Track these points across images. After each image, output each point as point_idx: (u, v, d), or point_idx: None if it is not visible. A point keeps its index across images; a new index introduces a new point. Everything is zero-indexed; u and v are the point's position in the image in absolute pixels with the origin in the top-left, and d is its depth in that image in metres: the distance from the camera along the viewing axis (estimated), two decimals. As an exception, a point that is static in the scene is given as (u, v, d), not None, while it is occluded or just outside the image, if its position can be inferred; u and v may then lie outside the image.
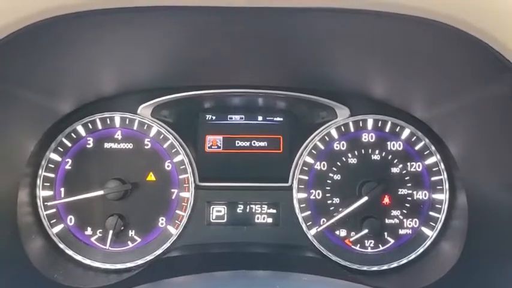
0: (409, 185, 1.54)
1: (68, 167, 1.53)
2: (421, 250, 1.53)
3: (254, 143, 1.61)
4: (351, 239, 1.54)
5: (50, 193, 1.51)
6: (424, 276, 1.43)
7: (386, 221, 1.54)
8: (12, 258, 1.33)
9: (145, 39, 1.05)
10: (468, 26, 0.81)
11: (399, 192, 1.54)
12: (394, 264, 1.53)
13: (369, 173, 1.54)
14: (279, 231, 1.55)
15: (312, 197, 1.55)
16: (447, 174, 1.52)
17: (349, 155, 1.56)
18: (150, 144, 1.55)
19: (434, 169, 1.54)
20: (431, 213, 1.53)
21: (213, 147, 1.60)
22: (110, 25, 0.93)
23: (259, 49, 1.14)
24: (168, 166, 1.55)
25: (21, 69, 1.07)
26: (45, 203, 1.50)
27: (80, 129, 1.54)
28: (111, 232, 1.48)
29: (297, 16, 0.87)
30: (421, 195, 1.54)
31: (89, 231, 1.53)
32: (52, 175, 1.51)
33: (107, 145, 1.55)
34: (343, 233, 1.55)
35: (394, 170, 1.55)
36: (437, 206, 1.53)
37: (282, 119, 1.62)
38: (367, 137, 1.56)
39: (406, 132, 1.55)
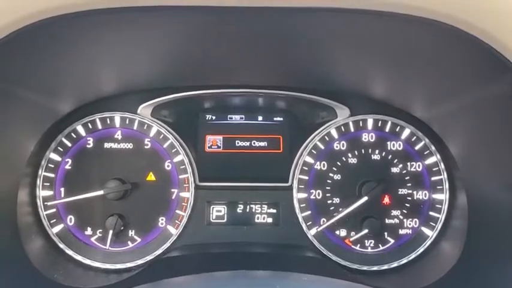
0: (409, 185, 1.54)
1: (67, 167, 1.53)
2: (421, 250, 1.53)
3: (254, 143, 1.61)
4: (351, 239, 1.54)
5: (49, 193, 1.51)
6: (424, 276, 1.43)
7: (387, 221, 1.54)
8: (12, 258, 1.33)
9: (145, 39, 1.05)
10: (468, 25, 0.81)
11: (399, 192, 1.54)
12: (394, 264, 1.53)
13: (369, 172, 1.54)
14: (279, 231, 1.55)
15: (312, 196, 1.55)
16: (447, 174, 1.52)
17: (349, 154, 1.56)
18: (150, 144, 1.55)
19: (434, 169, 1.54)
20: (431, 213, 1.53)
21: (213, 147, 1.60)
22: (109, 25, 0.93)
23: (259, 49, 1.14)
24: (168, 166, 1.55)
25: (21, 69, 1.07)
26: (45, 203, 1.50)
27: (80, 129, 1.54)
28: (111, 232, 1.48)
29: (297, 16, 0.87)
30: (421, 195, 1.54)
31: (88, 231, 1.53)
32: (52, 175, 1.51)
33: (106, 145, 1.54)
34: (343, 233, 1.55)
35: (394, 169, 1.55)
36: (437, 206, 1.53)
37: (282, 119, 1.62)
38: (367, 137, 1.56)
39: (406, 132, 1.55)
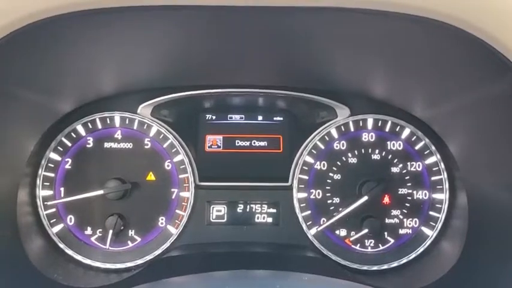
0: (409, 184, 1.54)
1: (67, 166, 1.52)
2: (421, 250, 1.53)
3: (254, 143, 1.61)
4: (351, 239, 1.54)
5: (49, 193, 1.51)
6: (424, 275, 1.43)
7: (387, 220, 1.54)
8: (12, 258, 1.33)
9: (145, 39, 1.05)
10: (469, 25, 0.81)
11: (399, 192, 1.54)
12: (394, 264, 1.53)
13: (369, 172, 1.54)
14: (279, 230, 1.55)
15: (312, 196, 1.55)
16: (447, 173, 1.52)
17: (349, 154, 1.56)
18: (150, 143, 1.55)
19: (434, 169, 1.54)
20: (431, 212, 1.53)
21: (213, 146, 1.60)
22: (109, 24, 0.93)
23: (259, 49, 1.14)
24: (168, 166, 1.55)
25: (21, 68, 1.06)
26: (45, 203, 1.50)
27: (80, 129, 1.53)
28: (111, 232, 1.48)
29: (296, 16, 0.87)
30: (421, 194, 1.54)
31: (88, 231, 1.52)
32: (52, 175, 1.51)
33: (106, 145, 1.54)
34: (343, 232, 1.55)
35: (394, 169, 1.55)
36: (437, 205, 1.53)
37: (282, 118, 1.62)
38: (367, 137, 1.56)
39: (406, 132, 1.55)
